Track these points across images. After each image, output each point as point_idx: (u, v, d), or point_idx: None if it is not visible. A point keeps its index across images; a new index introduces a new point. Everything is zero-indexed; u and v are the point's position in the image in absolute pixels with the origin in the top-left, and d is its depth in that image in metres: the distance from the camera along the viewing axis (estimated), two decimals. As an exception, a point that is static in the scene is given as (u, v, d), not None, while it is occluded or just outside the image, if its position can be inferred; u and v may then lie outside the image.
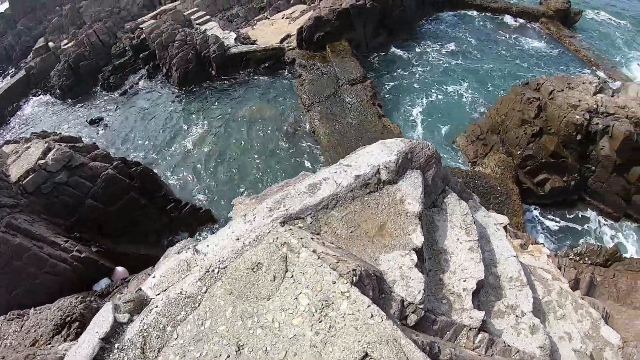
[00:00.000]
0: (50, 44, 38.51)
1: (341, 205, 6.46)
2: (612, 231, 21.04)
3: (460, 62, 30.21)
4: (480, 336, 6.34)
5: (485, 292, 7.50)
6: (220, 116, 26.98)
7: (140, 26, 35.78)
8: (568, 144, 20.52)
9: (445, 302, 6.53)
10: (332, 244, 6.03)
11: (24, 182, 15.38)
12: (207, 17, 35.27)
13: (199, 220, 20.56)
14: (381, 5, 29.56)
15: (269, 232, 6.02)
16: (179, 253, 6.65)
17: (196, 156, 24.28)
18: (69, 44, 36.17)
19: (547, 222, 21.00)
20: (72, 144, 18.39)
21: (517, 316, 7.41)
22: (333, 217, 6.37)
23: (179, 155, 24.61)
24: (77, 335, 9.25)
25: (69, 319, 10.41)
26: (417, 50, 31.32)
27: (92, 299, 12.31)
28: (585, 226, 21.17)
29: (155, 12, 38.38)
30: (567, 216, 21.40)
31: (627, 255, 19.15)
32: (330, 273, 4.85)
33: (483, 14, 36.07)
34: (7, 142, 19.63)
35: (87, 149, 19.02)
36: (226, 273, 5.66)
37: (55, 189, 16.16)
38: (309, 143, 23.76)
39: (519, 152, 21.25)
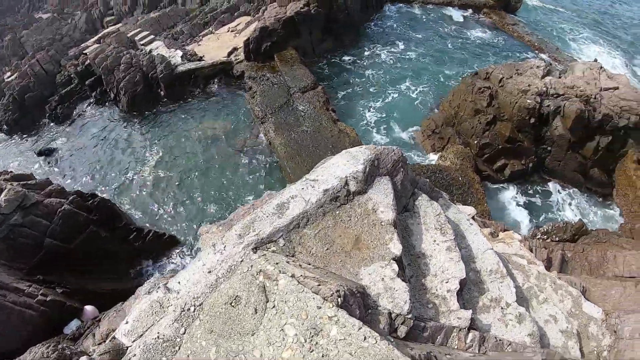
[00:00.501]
0: (-8, 76, 36.66)
1: (313, 222, 6.23)
2: (573, 201, 21.60)
3: (409, 58, 30.61)
4: (471, 335, 6.26)
5: (468, 289, 7.45)
6: (174, 137, 26.26)
7: (84, 52, 34.39)
8: (522, 128, 21.06)
9: (431, 307, 6.41)
10: (309, 264, 5.80)
11: (-23, 228, 14.44)
12: (152, 36, 34.32)
13: (163, 246, 19.96)
14: (326, 10, 29.60)
15: (242, 261, 5.72)
16: (149, 293, 6.25)
17: (153, 180, 23.49)
18: (12, 77, 34.40)
19: (508, 206, 21.41)
20: (25, 182, 17.54)
21: (502, 308, 7.41)
22: (306, 236, 6.14)
23: (136, 181, 23.73)
24: (53, 390, 8.73)
25: None
26: (366, 51, 31.53)
27: (65, 345, 11.62)
28: (549, 200, 21.71)
29: (98, 36, 37.10)
30: (529, 192, 21.86)
31: (592, 228, 19.70)
32: (314, 298, 4.62)
33: (427, 6, 36.82)
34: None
35: (40, 185, 18.17)
36: (203, 310, 5.33)
37: (12, 231, 15.36)
38: (266, 156, 23.46)
39: (475, 142, 21.64)
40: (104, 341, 11.70)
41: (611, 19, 39.39)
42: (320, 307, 4.51)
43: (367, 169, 6.67)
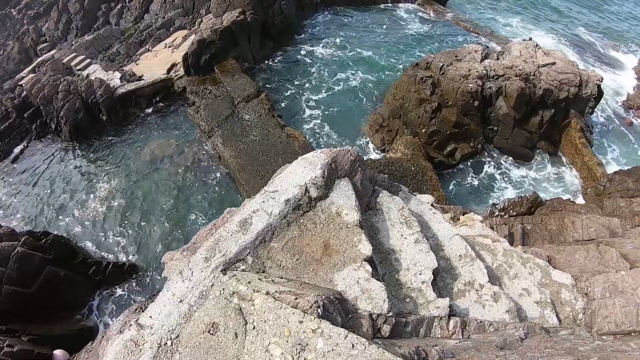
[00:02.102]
0: None
1: (278, 234, 6.11)
2: (523, 171, 22.42)
3: (348, 55, 30.98)
4: (452, 322, 6.34)
5: (441, 277, 7.56)
6: (121, 163, 25.40)
7: (20, 83, 32.67)
8: (468, 112, 21.73)
9: (409, 301, 6.43)
10: (282, 278, 5.68)
11: None
12: (88, 60, 32.96)
13: (126, 275, 19.58)
14: (261, 16, 29.52)
15: (212, 285, 5.51)
16: (121, 332, 5.95)
17: (105, 210, 22.69)
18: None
19: (463, 189, 22.00)
20: (-31, 227, 16.85)
21: (477, 290, 7.58)
22: (274, 249, 6.01)
23: (86, 213, 22.81)
24: None
25: None
26: (305, 51, 31.71)
27: None
28: (501, 177, 22.43)
29: (32, 65, 35.33)
30: (481, 173, 22.53)
31: (545, 198, 20.49)
32: (294, 313, 4.51)
33: (362, 6, 37.33)
34: None
35: (-12, 230, 17.42)
36: (181, 343, 5.08)
37: None
38: (217, 170, 23.13)
39: (423, 131, 22.13)
40: None
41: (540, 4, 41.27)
42: (302, 321, 4.40)
43: (326, 173, 6.61)
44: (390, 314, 5.52)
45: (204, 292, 5.56)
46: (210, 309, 5.12)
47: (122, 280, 19.39)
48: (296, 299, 4.80)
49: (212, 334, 4.90)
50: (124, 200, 22.89)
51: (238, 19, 27.40)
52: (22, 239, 17.08)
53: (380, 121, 23.61)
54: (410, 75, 22.71)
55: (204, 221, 20.80)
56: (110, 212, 22.47)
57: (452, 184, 22.09)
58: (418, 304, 6.44)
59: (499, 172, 22.63)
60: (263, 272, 5.81)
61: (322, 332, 4.31)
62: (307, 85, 28.44)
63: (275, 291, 5.00)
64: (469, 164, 22.36)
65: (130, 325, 5.77)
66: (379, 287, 5.65)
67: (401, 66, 28.41)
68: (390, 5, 36.77)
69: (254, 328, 4.69)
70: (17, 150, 29.88)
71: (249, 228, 6.07)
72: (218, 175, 22.84)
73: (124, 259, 20.17)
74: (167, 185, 23.00)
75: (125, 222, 21.78)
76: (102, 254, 20.73)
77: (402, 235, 7.18)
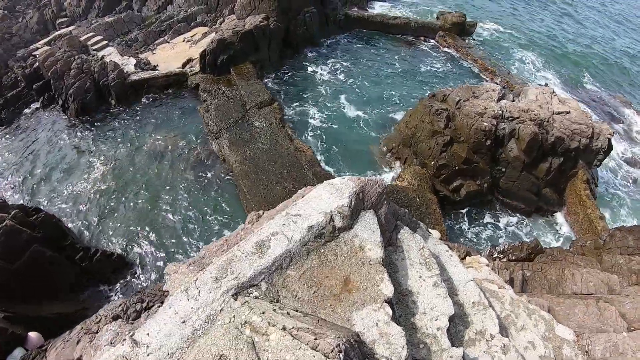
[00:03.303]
0: None
1: (297, 262, 5.75)
2: (527, 227, 22.35)
3: (364, 78, 30.85)
4: (462, 373, 6.01)
5: (454, 323, 7.24)
6: (123, 149, 24.98)
7: (34, 53, 32.40)
8: (478, 150, 21.53)
9: (423, 347, 6.08)
10: (297, 311, 5.31)
11: None
12: (105, 42, 32.78)
13: (112, 267, 18.86)
14: (284, 25, 29.40)
15: (221, 310, 5.13)
16: (112, 344, 5.51)
17: (99, 195, 22.18)
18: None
19: (464, 226, 21.79)
20: (-39, 193, 16.32)
21: (487, 340, 7.31)
22: (290, 278, 5.64)
23: (80, 195, 22.32)
24: None
25: None
26: (321, 70, 31.55)
27: None
28: (500, 224, 22.32)
29: (49, 38, 35.10)
30: (484, 218, 22.39)
31: (545, 246, 20.32)
32: (314, 356, 4.14)
33: (384, 32, 37.38)
34: None
35: (-22, 197, 17.02)
36: None
37: None
38: (219, 172, 22.71)
39: (432, 162, 21.90)
40: None
41: (560, 44, 41.54)
42: (323, 367, 4.04)
43: (353, 202, 6.28)
44: (407, 361, 5.17)
45: (211, 317, 5.17)
46: (219, 337, 4.71)
47: (108, 270, 18.74)
48: (316, 339, 4.44)
49: None
50: (119, 187, 22.45)
51: (261, 24, 27.27)
52: (13, 213, 16.53)
53: (390, 147, 23.36)
54: (426, 105, 22.54)
55: (196, 221, 20.39)
56: (103, 198, 21.97)
57: (453, 219, 21.86)
58: (432, 351, 6.09)
59: (500, 214, 22.46)
60: (277, 301, 5.43)
61: (345, 382, 3.95)
62: (317, 102, 28.24)
63: (292, 327, 4.63)
64: (472, 201, 22.12)
65: (124, 340, 5.33)
66: (399, 333, 5.30)
67: (414, 95, 28.38)
68: (411, 37, 36.83)
69: (267, 368, 4.30)
70: (20, 119, 29.62)
71: (266, 251, 5.71)
72: (219, 177, 22.42)
73: (111, 249, 19.53)
74: (166, 179, 22.57)
75: (117, 211, 21.26)
76: (89, 240, 20.17)
77: (420, 277, 6.84)
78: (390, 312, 5.48)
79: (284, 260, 5.69)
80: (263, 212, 8.56)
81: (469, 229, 21.55)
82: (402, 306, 6.47)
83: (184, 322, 5.20)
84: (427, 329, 6.32)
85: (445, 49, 34.91)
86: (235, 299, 5.25)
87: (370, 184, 6.73)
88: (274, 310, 5.05)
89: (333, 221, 6.05)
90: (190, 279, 5.99)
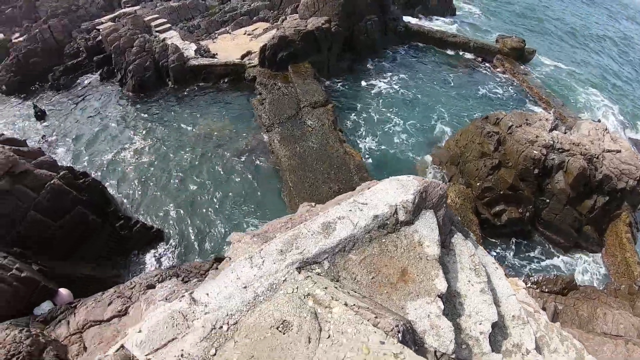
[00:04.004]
0: (0, 35, 35.74)
1: (359, 247, 6.04)
2: (564, 262, 21.93)
3: (418, 93, 30.71)
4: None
5: (493, 333, 7.38)
6: (174, 129, 25.79)
7: (98, 27, 33.87)
8: (525, 177, 21.27)
9: (465, 347, 6.26)
10: (355, 292, 5.58)
11: (-40, 185, 13.60)
12: (168, 25, 33.93)
13: (149, 239, 19.30)
14: (346, 30, 29.70)
15: (284, 280, 5.42)
16: (167, 300, 5.83)
17: (145, 169, 22.88)
18: (21, 38, 33.60)
19: (501, 252, 21.54)
20: (17, 148, 16.74)
21: (522, 354, 7.42)
22: (351, 261, 5.93)
23: (126, 167, 23.11)
24: (23, 380, 7.90)
25: (14, 359, 9.01)
26: (377, 79, 31.55)
27: (37, 331, 10.91)
28: (537, 255, 21.96)
29: (114, 15, 36.54)
30: (521, 246, 22.08)
31: (580, 282, 19.95)
32: (375, 332, 4.39)
33: (443, 49, 37.25)
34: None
35: (32, 154, 17.37)
36: (239, 331, 4.85)
37: None
38: (266, 164, 23.07)
39: (478, 184, 21.74)
40: (80, 332, 11.06)
41: (619, 84, 40.54)
42: (384, 342, 4.28)
43: (416, 199, 6.54)
44: (454, 355, 5.38)
45: (274, 285, 5.43)
46: (283, 305, 4.97)
47: (144, 242, 19.18)
48: (376, 317, 4.70)
49: (282, 331, 4.72)
50: (165, 165, 23.09)
51: (323, 26, 27.69)
52: (62, 173, 16.88)
53: (437, 162, 23.33)
54: (478, 126, 22.44)
55: (233, 206, 20.74)
56: (148, 173, 22.63)
57: (490, 243, 21.65)
58: (473, 353, 6.27)
59: (538, 245, 22.10)
60: (337, 281, 5.72)
61: (404, 358, 4.17)
62: (369, 111, 28.30)
63: (354, 304, 4.91)
64: (512, 229, 21.83)
65: (183, 296, 5.57)
66: (448, 327, 5.53)
67: (464, 119, 28.19)
68: (470, 56, 36.61)
69: (329, 337, 4.54)
70: (78, 87, 31.10)
71: (332, 233, 6.01)
72: (265, 167, 22.83)
73: (148, 222, 19.99)
74: (212, 163, 23.11)
75: (160, 187, 21.83)
76: (129, 209, 20.79)
77: (469, 281, 7.01)
78: (442, 306, 5.71)
79: (347, 243, 5.97)
80: (315, 204, 8.87)
81: (505, 255, 21.30)
82: (449, 306, 6.66)
83: (245, 287, 5.47)
84: (470, 331, 6.49)
85: (501, 73, 34.57)
86: (299, 272, 5.55)
87: (433, 186, 6.96)
88: (335, 287, 5.34)
89: (397, 214, 6.31)
90: (254, 249, 6.33)
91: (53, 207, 16.01)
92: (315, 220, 6.24)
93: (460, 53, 36.72)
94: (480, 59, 36.20)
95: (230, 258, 6.70)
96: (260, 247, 6.20)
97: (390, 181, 6.88)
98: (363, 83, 30.82)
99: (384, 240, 6.18)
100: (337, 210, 6.36)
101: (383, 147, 25.40)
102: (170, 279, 8.80)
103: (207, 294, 5.53)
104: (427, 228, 6.47)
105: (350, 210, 6.30)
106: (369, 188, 6.92)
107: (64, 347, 9.72)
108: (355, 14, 30.26)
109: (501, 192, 21.30)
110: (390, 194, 6.56)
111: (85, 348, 9.64)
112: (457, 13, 47.55)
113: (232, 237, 7.12)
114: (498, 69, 34.93)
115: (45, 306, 13.27)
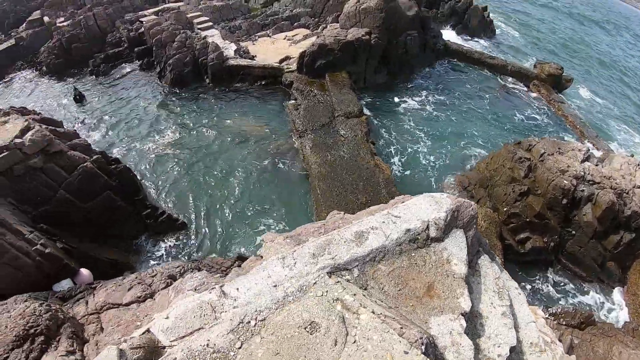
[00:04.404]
0: (46, 18, 37.26)
1: (389, 259, 6.22)
2: (582, 296, 21.58)
3: (452, 113, 30.55)
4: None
5: (510, 357, 7.43)
6: (205, 125, 26.34)
7: (141, 19, 34.97)
8: (553, 207, 21.06)
9: (481, 369, 6.35)
10: (382, 301, 5.76)
11: (-5, 159, 14.16)
12: (210, 23, 34.74)
13: (173, 231, 19.68)
14: (385, 43, 29.82)
15: (314, 283, 5.63)
16: (196, 290, 6.08)
17: (174, 162, 23.41)
18: (65, 23, 34.95)
19: (521, 280, 21.27)
20: (53, 128, 17.39)
21: (537, 382, 7.41)
22: (380, 271, 6.11)
23: (156, 157, 23.68)
24: (42, 352, 8.27)
25: (33, 331, 9.20)
26: (412, 96, 31.51)
27: (56, 306, 11.20)
28: (557, 287, 21.66)
29: (157, 9, 37.72)
30: (541, 276, 21.81)
31: (597, 319, 19.65)
32: (400, 341, 4.56)
33: (480, 69, 37.07)
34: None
35: (67, 135, 18.05)
36: (267, 328, 5.01)
37: (28, 173, 15.12)
38: (295, 169, 23.31)
39: (505, 209, 21.59)
40: (98, 312, 11.32)
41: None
42: (408, 353, 4.45)
43: (449, 217, 6.69)
44: (472, 375, 5.48)
45: (304, 287, 5.60)
46: (312, 306, 5.13)
47: (169, 232, 19.54)
48: (402, 328, 4.87)
49: (309, 332, 4.85)
50: (195, 160, 23.56)
51: (363, 37, 27.94)
52: (95, 157, 17.32)
53: (466, 184, 23.23)
54: (510, 151, 22.34)
55: (257, 206, 21.01)
56: (178, 166, 23.09)
57: (511, 270, 21.41)
58: (489, 376, 6.34)
59: (558, 276, 21.79)
60: (365, 289, 5.91)
61: (427, 369, 4.33)
62: (401, 126, 28.28)
63: (381, 313, 5.08)
64: (535, 257, 21.57)
65: (213, 288, 5.78)
66: (469, 346, 5.64)
67: (496, 142, 27.92)
68: (508, 79, 36.35)
69: (354, 342, 4.70)
70: (117, 75, 32.12)
71: (364, 242, 6.21)
72: (294, 172, 23.08)
73: (175, 214, 20.33)
74: (242, 162, 23.50)
75: (188, 181, 22.25)
76: (155, 199, 21.19)
77: (492, 304, 7.10)
78: (465, 325, 5.83)
79: (378, 253, 6.17)
80: (344, 213, 9.07)
81: (525, 283, 21.07)
82: (470, 326, 6.76)
83: (275, 286, 5.68)
84: (489, 352, 6.58)
85: (537, 99, 34.22)
86: (329, 277, 5.76)
87: (465, 206, 7.10)
88: (364, 295, 5.53)
89: (428, 230, 6.47)
90: (286, 250, 6.57)
91: (83, 189, 16.47)
92: (349, 229, 6.45)
93: (498, 75, 36.48)
94: (519, 83, 35.92)
95: (262, 257, 6.95)
96: (292, 248, 6.44)
97: (424, 197, 7.05)
98: (396, 99, 30.83)
99: (413, 254, 6.35)
100: (370, 220, 6.57)
101: (408, 166, 25.36)
102: (192, 272, 9.01)
103: (237, 289, 5.75)
104: (456, 246, 6.61)
105: (383, 222, 6.49)
106: (402, 202, 7.10)
107: (80, 325, 9.92)
108: (396, 29, 30.39)
109: (527, 220, 21.12)
110: (423, 209, 6.73)
111: (102, 329, 9.85)
112: (496, 33, 47.31)
113: (265, 236, 7.38)
114: (534, 94, 34.60)
115: (65, 284, 13.83)
